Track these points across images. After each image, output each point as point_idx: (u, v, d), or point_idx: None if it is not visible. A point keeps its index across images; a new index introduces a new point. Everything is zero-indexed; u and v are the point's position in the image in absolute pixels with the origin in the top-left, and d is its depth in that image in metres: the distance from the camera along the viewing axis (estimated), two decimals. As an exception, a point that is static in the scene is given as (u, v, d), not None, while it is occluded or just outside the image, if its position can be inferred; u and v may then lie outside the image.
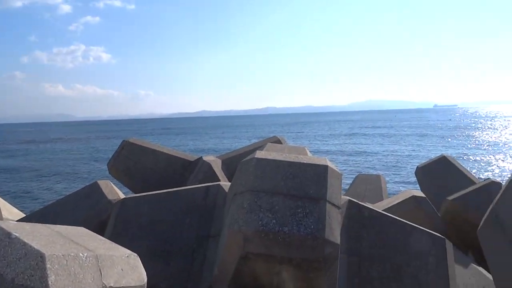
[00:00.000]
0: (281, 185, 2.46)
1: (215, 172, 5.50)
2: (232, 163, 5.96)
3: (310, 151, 4.27)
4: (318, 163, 2.58)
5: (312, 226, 2.33)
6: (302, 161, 2.58)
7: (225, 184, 3.74)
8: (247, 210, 2.37)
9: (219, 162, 6.09)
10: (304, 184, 2.48)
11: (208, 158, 5.98)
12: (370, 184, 8.99)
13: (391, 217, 3.81)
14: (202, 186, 3.48)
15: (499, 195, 2.52)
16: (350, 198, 3.79)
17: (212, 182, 4.19)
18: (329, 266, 2.44)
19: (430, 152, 38.63)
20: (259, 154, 2.64)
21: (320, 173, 2.51)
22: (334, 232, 2.43)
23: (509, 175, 2.70)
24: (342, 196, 3.87)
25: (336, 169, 2.67)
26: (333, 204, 2.50)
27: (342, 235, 3.50)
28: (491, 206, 2.57)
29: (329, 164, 2.63)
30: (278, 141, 6.21)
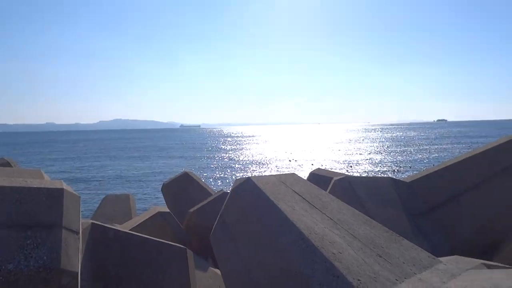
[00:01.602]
0: (4, 215, 2.11)
1: None
2: None
3: (47, 174, 3.85)
4: (51, 186, 2.35)
5: (45, 257, 2.09)
6: (31, 186, 2.28)
7: None
8: (-46, 251, 1.91)
9: None
10: (34, 211, 2.20)
11: None
12: (118, 204, 8.83)
13: (136, 235, 3.86)
14: None
15: (225, 202, 2.94)
16: (94, 221, 3.62)
17: None
18: (67, 298, 2.24)
19: (176, 168, 41.38)
20: (-27, 181, 2.19)
21: (54, 197, 2.29)
22: (72, 260, 2.25)
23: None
24: (85, 220, 3.65)
25: (74, 192, 2.50)
26: (71, 230, 2.32)
27: (85, 261, 3.30)
28: (219, 213, 2.96)
29: (65, 186, 2.44)
30: (7, 164, 5.31)
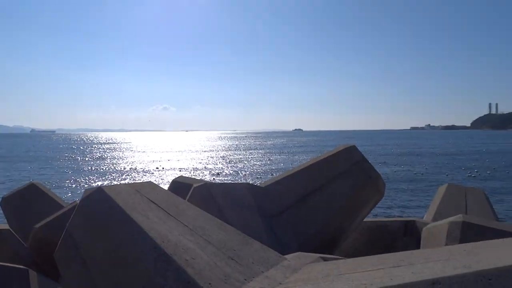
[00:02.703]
0: None
1: None
2: None
3: None
4: None
5: None
6: None
7: None
8: None
9: None
10: None
11: None
12: None
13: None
14: None
15: (72, 215, 2.72)
16: None
17: None
18: None
19: (22, 179, 36.37)
20: None
21: None
22: None
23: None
24: None
25: None
26: None
27: None
28: (66, 228, 2.73)
29: None
30: None
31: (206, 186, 4.30)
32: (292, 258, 2.88)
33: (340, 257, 3.27)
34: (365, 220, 5.46)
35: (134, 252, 2.35)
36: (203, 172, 42.36)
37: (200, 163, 54.64)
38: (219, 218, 3.74)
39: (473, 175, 34.67)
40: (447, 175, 35.36)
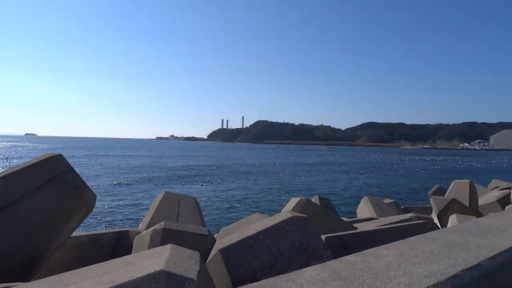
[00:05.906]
0: None
1: None
2: None
3: None
4: None
5: None
6: None
7: None
8: None
9: None
10: None
11: None
12: None
13: None
14: None
15: None
16: None
17: None
18: None
19: None
20: None
21: None
22: None
23: None
24: None
25: None
26: None
27: None
28: None
29: None
30: None
31: None
32: None
33: (20, 283, 2.85)
34: (75, 235, 5.09)
35: None
36: None
37: None
38: None
39: (204, 184, 38.84)
40: (183, 184, 38.21)
